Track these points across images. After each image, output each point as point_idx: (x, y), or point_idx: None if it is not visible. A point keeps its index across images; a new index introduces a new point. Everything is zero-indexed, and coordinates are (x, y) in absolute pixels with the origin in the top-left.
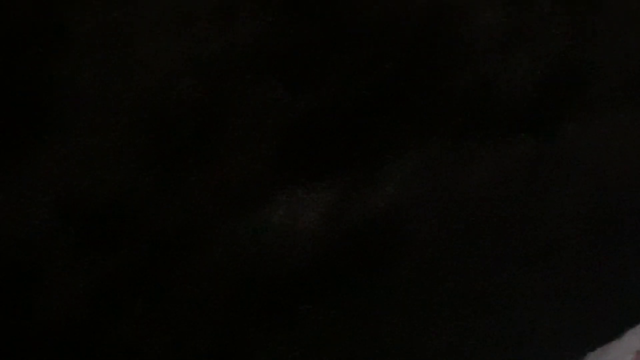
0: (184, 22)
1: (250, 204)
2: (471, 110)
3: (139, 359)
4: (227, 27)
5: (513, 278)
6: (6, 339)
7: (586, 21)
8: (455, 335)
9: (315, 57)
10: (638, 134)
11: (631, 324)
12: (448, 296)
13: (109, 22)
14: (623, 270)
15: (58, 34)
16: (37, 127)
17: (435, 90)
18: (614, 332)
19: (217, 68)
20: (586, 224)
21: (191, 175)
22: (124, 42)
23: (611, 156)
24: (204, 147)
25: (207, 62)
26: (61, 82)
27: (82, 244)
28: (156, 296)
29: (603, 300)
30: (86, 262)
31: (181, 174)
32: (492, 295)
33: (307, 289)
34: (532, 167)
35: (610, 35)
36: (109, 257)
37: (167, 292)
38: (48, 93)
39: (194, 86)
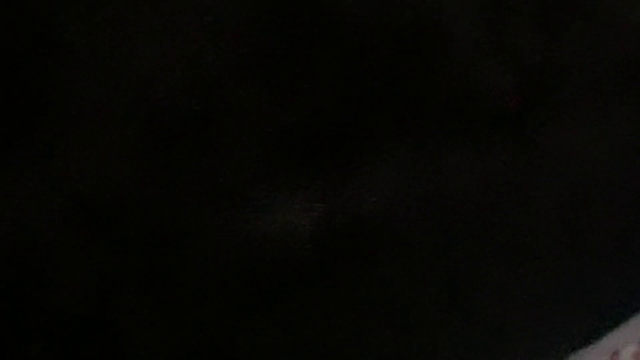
0: (178, 35)
1: (237, 205)
2: (451, 115)
3: (142, 350)
4: (219, 39)
5: (493, 279)
6: (16, 329)
7: (559, 29)
8: (435, 333)
9: (304, 66)
10: (610, 136)
11: (610, 327)
12: (430, 295)
13: (109, 35)
14: (601, 274)
15: (61, 46)
16: (45, 133)
17: (417, 95)
18: (593, 335)
19: (210, 78)
20: (564, 226)
21: (188, 177)
22: (124, 53)
23: (584, 156)
24: (200, 151)
25: (201, 73)
26: (65, 92)
27: (91, 239)
28: (156, 290)
29: (581, 303)
30: (95, 257)
31: (179, 177)
32: (472, 295)
33: (298, 286)
34: (509, 168)
35: (582, 39)
36: (115, 252)
37: (166, 286)
38: (55, 102)
39: (189, 95)
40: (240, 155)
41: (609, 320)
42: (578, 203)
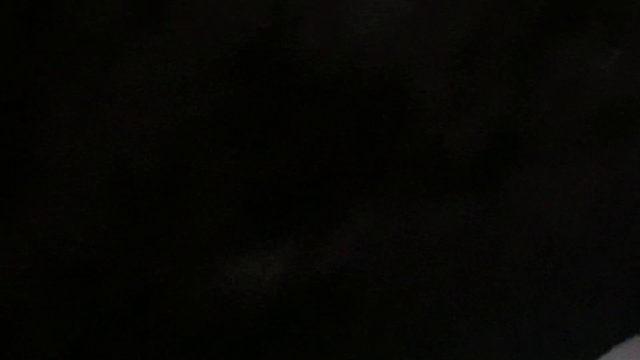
0: (149, 94)
1: (212, 263)
2: (421, 170)
3: None
4: (187, 101)
5: (465, 328)
6: None
7: (529, 84)
8: None
9: (272, 125)
10: (578, 188)
11: None
12: (404, 344)
13: (83, 94)
14: (570, 319)
15: (34, 104)
16: (16, 188)
17: (387, 152)
18: None
19: (176, 139)
20: (535, 272)
21: (159, 234)
22: (97, 112)
23: (555, 209)
24: (171, 209)
25: (167, 135)
26: (37, 148)
27: (58, 296)
28: (125, 350)
29: (551, 349)
30: (61, 314)
31: (150, 233)
32: (447, 343)
33: (270, 337)
34: (480, 221)
35: (553, 97)
36: (84, 309)
37: (135, 345)
38: (26, 157)
39: (157, 156)
40: (211, 213)
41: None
42: (547, 254)
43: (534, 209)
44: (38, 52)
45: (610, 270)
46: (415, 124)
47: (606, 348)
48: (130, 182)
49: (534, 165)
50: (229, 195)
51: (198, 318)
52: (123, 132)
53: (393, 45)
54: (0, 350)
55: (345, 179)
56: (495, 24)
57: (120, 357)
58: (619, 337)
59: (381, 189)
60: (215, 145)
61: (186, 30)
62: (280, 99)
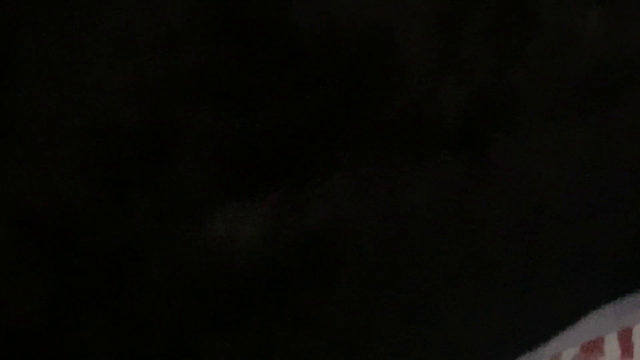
0: (127, 52)
1: (193, 218)
2: (404, 132)
3: None
4: (168, 56)
5: (451, 295)
6: None
7: (511, 47)
8: (395, 352)
9: (257, 83)
10: (562, 153)
11: (556, 333)
12: (385, 309)
13: (57, 52)
14: (559, 287)
15: (6, 64)
16: None
17: (369, 112)
18: (541, 340)
19: (159, 94)
20: (520, 242)
21: (137, 191)
22: (72, 71)
23: (537, 174)
24: (149, 165)
25: (150, 89)
26: (13, 105)
27: (37, 254)
28: (110, 307)
29: (540, 317)
30: (41, 273)
31: (128, 191)
32: (427, 309)
33: (249, 299)
34: (465, 185)
35: (537, 59)
36: (63, 268)
37: (117, 301)
38: (4, 118)
39: (139, 110)
40: (193, 170)
41: (557, 326)
42: (534, 220)
43: (520, 173)
44: (9, 9)
45: (597, 237)
46: (398, 85)
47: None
48: (111, 137)
49: (519, 129)
50: (211, 150)
51: (183, 272)
52: (103, 87)
53: (375, 3)
54: None
55: (327, 139)
56: None
57: (103, 314)
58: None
59: (363, 150)
60: (197, 100)
61: None
62: (265, 56)
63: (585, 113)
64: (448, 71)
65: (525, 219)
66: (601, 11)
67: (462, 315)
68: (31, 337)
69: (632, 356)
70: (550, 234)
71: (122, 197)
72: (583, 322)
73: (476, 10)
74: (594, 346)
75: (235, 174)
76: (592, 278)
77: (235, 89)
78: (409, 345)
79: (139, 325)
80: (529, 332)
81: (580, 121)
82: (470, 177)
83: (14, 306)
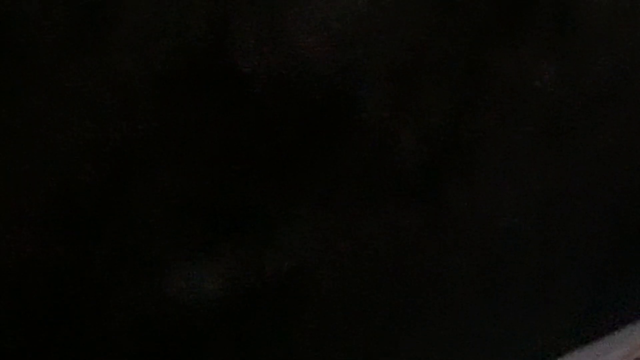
0: (88, 105)
1: (149, 273)
2: (363, 178)
3: None
4: (124, 116)
5: (411, 331)
6: None
7: (471, 94)
8: None
9: (217, 136)
10: (515, 193)
11: None
12: (349, 350)
13: (19, 110)
14: (513, 318)
15: None
16: None
17: (328, 162)
18: None
19: (115, 153)
20: (481, 277)
21: (96, 246)
22: (32, 130)
23: (492, 213)
24: (106, 222)
25: (106, 148)
26: None
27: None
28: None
29: (497, 349)
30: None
31: (85, 245)
32: (390, 347)
33: (210, 345)
34: (424, 228)
35: (491, 106)
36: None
37: (76, 349)
38: None
39: (95, 168)
40: (152, 222)
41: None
42: (493, 260)
43: (477, 216)
44: None
45: (558, 276)
46: (358, 132)
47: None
48: (69, 193)
49: (475, 175)
50: (168, 204)
51: (142, 320)
52: (64, 146)
53: (336, 52)
54: None
55: (287, 185)
56: (437, 35)
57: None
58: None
59: (323, 196)
60: (154, 158)
61: (123, 48)
62: (225, 108)
63: (541, 154)
64: (405, 119)
65: (482, 255)
66: (554, 61)
67: (425, 353)
68: None
69: None
70: (509, 273)
71: (81, 251)
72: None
73: (433, 60)
74: None
75: (193, 229)
76: (552, 319)
77: (193, 145)
78: None
79: None
80: None
81: (536, 162)
82: (428, 219)
83: None
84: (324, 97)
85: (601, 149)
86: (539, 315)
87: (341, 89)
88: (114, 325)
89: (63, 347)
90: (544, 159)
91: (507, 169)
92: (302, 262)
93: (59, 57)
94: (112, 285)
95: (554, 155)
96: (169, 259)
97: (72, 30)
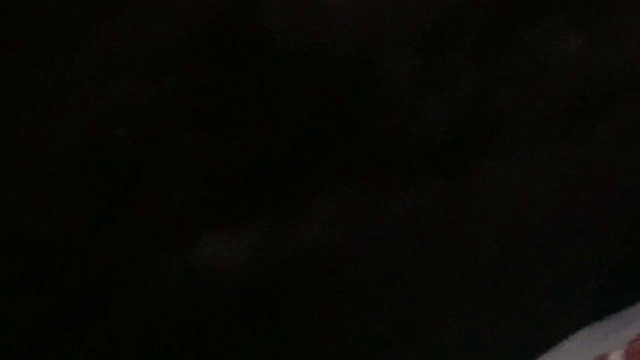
0: (112, 76)
1: (179, 243)
2: (388, 153)
3: None
4: (153, 80)
5: (435, 313)
6: None
7: (496, 67)
8: None
9: (238, 105)
10: (546, 173)
11: (542, 351)
12: (371, 329)
13: (44, 75)
14: (535, 303)
15: None
16: None
17: (353, 135)
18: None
19: (145, 118)
20: (502, 260)
21: (124, 215)
22: (61, 93)
23: (521, 195)
24: (136, 190)
25: (136, 113)
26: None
27: (23, 279)
28: (92, 334)
29: (517, 332)
30: (27, 295)
31: (115, 215)
32: (412, 328)
33: (236, 323)
34: (448, 206)
35: (520, 80)
36: (49, 292)
37: (104, 324)
38: None
39: (124, 134)
40: (178, 193)
41: (542, 345)
42: (515, 240)
43: (503, 193)
44: None
45: (577, 258)
46: (382, 106)
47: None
48: (97, 160)
49: (502, 150)
50: (196, 173)
51: (170, 295)
52: (89, 111)
53: (360, 24)
54: None
55: (311, 161)
56: (464, 5)
57: (89, 336)
58: (583, 324)
59: (347, 171)
60: (182, 123)
61: (148, 10)
62: (250, 77)
63: (571, 130)
64: (433, 92)
65: (505, 237)
66: (584, 31)
67: (446, 333)
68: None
69: None
70: (534, 253)
71: (110, 220)
72: (561, 346)
73: (460, 31)
74: None
75: (222, 200)
76: (576, 297)
77: (221, 111)
78: None
79: (125, 348)
80: (514, 351)
81: (566, 138)
82: (452, 196)
83: None
84: (349, 63)
85: (631, 127)
86: (561, 295)
87: (367, 56)
88: (140, 298)
89: (86, 320)
90: (574, 134)
91: (536, 144)
92: (326, 236)
93: (89, 17)
94: (139, 256)
95: (583, 131)
96: (197, 230)
97: None
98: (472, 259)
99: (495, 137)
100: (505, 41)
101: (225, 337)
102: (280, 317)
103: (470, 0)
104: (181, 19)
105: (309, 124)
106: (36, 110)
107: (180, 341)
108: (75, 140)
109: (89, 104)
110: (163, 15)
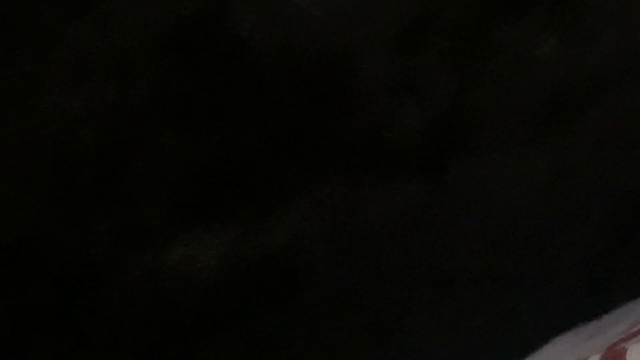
0: (81, 78)
1: (152, 244)
2: (364, 154)
3: None
4: (122, 81)
5: (414, 313)
6: None
7: (471, 68)
8: None
9: (210, 106)
10: (521, 174)
11: (525, 354)
12: (348, 328)
13: (11, 78)
14: (518, 299)
15: None
16: None
17: (328, 135)
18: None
19: (114, 119)
20: (484, 259)
21: (95, 216)
22: (29, 96)
23: (496, 196)
24: (106, 190)
25: (105, 114)
26: None
27: None
28: (63, 330)
29: (497, 336)
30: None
31: (85, 216)
32: (388, 330)
33: (207, 325)
34: (426, 206)
35: (495, 81)
36: (19, 293)
37: (73, 326)
38: None
39: (94, 135)
40: (150, 194)
41: (525, 346)
42: (495, 240)
43: (478, 194)
44: None
45: (559, 256)
46: (357, 107)
47: (554, 335)
48: (68, 160)
49: (477, 151)
50: (168, 175)
51: (143, 295)
52: (60, 112)
53: (335, 24)
54: None
55: (286, 161)
56: (439, 6)
57: (60, 337)
58: (568, 324)
59: (322, 172)
60: (153, 124)
61: (117, 11)
62: (223, 79)
63: (546, 132)
64: (407, 93)
65: (486, 236)
66: (559, 34)
67: (424, 332)
68: None
69: None
70: (511, 253)
71: (81, 221)
72: (542, 350)
73: (435, 32)
74: None
75: (195, 201)
76: (554, 297)
77: (192, 112)
78: None
79: (98, 347)
80: (494, 356)
81: (541, 140)
82: (430, 197)
83: None
84: (323, 65)
85: (606, 128)
86: (541, 294)
87: (341, 57)
88: (113, 298)
89: (59, 320)
90: (549, 135)
91: (511, 145)
92: (300, 236)
93: (57, 21)
94: (111, 257)
95: (559, 132)
96: (169, 231)
97: None
98: (448, 257)
99: (470, 138)
100: (480, 42)
101: (198, 338)
102: (255, 317)
103: (445, 1)
104: (150, 21)
105: (283, 125)
106: (5, 112)
107: (152, 342)
108: (43, 142)
109: (58, 105)
110: (132, 17)
